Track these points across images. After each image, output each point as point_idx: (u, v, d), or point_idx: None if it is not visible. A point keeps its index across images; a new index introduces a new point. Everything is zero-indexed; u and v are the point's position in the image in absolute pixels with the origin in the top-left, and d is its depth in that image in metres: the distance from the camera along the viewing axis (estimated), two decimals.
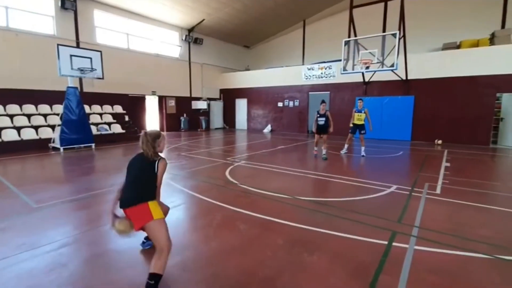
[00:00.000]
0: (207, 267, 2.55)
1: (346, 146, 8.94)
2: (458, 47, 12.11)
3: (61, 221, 3.63)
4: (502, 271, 2.50)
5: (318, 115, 8.02)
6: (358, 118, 8.47)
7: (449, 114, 11.66)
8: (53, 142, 9.58)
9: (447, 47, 12.37)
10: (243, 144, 11.62)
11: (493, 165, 7.80)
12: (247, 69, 20.12)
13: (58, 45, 9.05)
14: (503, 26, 12.08)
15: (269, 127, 17.27)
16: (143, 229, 2.29)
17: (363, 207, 4.16)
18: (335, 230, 3.30)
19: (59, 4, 11.08)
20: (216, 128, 18.98)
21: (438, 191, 4.90)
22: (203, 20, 15.65)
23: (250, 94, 18.22)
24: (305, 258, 2.69)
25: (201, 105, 17.73)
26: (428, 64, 12.00)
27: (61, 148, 9.17)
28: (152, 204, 2.29)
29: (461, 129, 11.45)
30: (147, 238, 2.89)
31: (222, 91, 19.66)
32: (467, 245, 2.97)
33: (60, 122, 9.47)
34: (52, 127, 10.03)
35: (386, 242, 3.00)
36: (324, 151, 8.01)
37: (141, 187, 2.32)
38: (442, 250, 2.86)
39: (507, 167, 7.48)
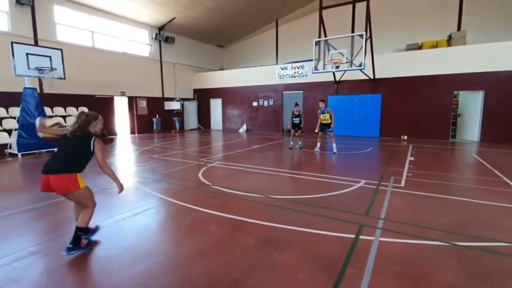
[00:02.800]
0: (174, 272, 2.47)
1: (318, 144, 9.17)
2: (420, 48, 12.86)
3: (17, 232, 3.34)
4: (458, 257, 2.67)
5: (294, 116, 9.49)
6: (324, 118, 8.86)
7: (413, 111, 12.37)
8: (10, 147, 8.85)
9: (410, 48, 13.09)
10: (218, 144, 11.50)
11: (452, 157, 8.38)
12: (221, 69, 19.94)
13: (12, 42, 8.36)
14: (459, 28, 13.03)
15: (244, 127, 17.25)
16: (65, 195, 2.68)
17: (334, 202, 4.27)
18: (305, 227, 3.35)
19: None
20: (191, 129, 18.61)
21: (402, 184, 5.17)
22: (174, 18, 15.27)
23: (225, 94, 18.09)
24: (275, 257, 2.70)
25: (175, 105, 17.29)
26: (393, 64, 12.64)
27: (19, 154, 8.49)
28: (79, 176, 2.70)
29: (424, 125, 12.20)
30: (73, 243, 2.73)
31: (196, 91, 19.33)
32: (427, 234, 3.14)
33: (17, 126, 8.76)
34: (9, 131, 9.26)
35: (353, 236, 3.10)
36: (299, 142, 9.83)
37: (73, 160, 2.67)
38: (405, 240, 3.01)
39: (464, 159, 8.07)
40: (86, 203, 2.76)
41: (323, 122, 8.89)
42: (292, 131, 9.67)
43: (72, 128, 2.70)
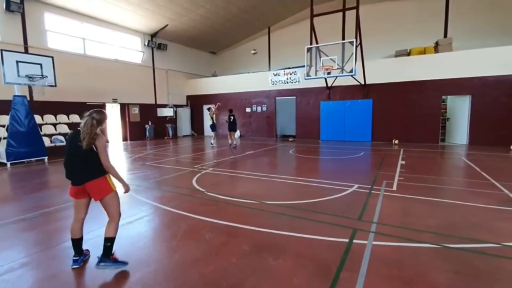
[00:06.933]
0: (168, 281, 2.45)
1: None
2: (408, 54, 13.21)
3: (7, 243, 3.26)
4: (450, 259, 2.73)
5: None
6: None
7: (403, 116, 12.62)
8: None
9: (399, 54, 13.43)
10: (212, 151, 11.48)
11: (441, 161, 8.56)
12: (214, 75, 20.02)
13: (1, 50, 8.26)
14: (445, 35, 13.44)
15: (238, 133, 17.25)
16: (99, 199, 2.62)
17: (327, 207, 4.31)
18: (300, 232, 3.37)
19: (4, 6, 10.17)
20: (184, 136, 18.54)
21: (394, 187, 5.25)
22: (167, 25, 15.33)
23: (218, 100, 18.04)
24: (270, 262, 2.71)
25: (167, 112, 17.23)
26: (383, 69, 12.93)
27: (8, 163, 8.31)
28: (108, 177, 2.67)
29: (414, 129, 12.45)
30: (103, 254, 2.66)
31: (189, 97, 19.33)
32: (419, 237, 3.20)
33: (6, 135, 8.60)
34: None
35: (347, 240, 3.14)
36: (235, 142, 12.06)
37: (91, 164, 2.57)
38: (397, 243, 3.06)
39: (453, 162, 8.25)
40: (111, 210, 2.70)
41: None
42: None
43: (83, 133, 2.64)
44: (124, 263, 2.64)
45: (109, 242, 2.59)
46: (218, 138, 13.44)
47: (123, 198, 4.95)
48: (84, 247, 2.87)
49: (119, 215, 2.71)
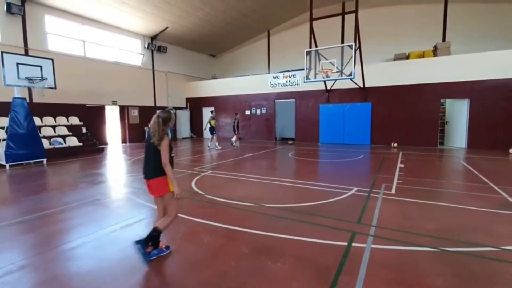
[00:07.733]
0: (167, 284, 2.45)
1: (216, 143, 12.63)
2: (407, 57, 13.28)
3: (5, 246, 3.25)
4: (448, 262, 2.74)
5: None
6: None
7: (402, 119, 12.67)
8: None
9: (397, 57, 13.50)
10: (211, 153, 11.49)
11: (440, 164, 8.59)
12: (214, 78, 20.08)
13: (2, 52, 8.28)
14: (443, 39, 13.52)
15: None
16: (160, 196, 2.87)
17: (326, 210, 4.31)
18: (299, 235, 3.37)
19: (4, 8, 10.20)
20: (183, 138, 18.55)
21: (393, 191, 5.26)
22: (167, 28, 15.39)
23: (217, 102, 18.17)
24: (269, 265, 2.71)
25: None
26: (382, 73, 13.00)
27: (7, 165, 8.29)
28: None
29: (413, 132, 12.49)
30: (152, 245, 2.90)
31: (189, 99, 19.36)
32: (417, 240, 3.21)
33: (5, 136, 8.59)
34: None
35: (346, 243, 3.14)
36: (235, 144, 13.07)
37: (157, 163, 2.77)
38: (396, 247, 3.06)
39: (452, 165, 8.27)
40: (169, 209, 2.93)
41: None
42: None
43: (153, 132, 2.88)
44: (164, 250, 2.92)
45: (155, 232, 2.81)
46: (220, 141, 13.48)
47: (122, 201, 4.96)
48: (84, 250, 2.90)
49: (176, 215, 2.93)
